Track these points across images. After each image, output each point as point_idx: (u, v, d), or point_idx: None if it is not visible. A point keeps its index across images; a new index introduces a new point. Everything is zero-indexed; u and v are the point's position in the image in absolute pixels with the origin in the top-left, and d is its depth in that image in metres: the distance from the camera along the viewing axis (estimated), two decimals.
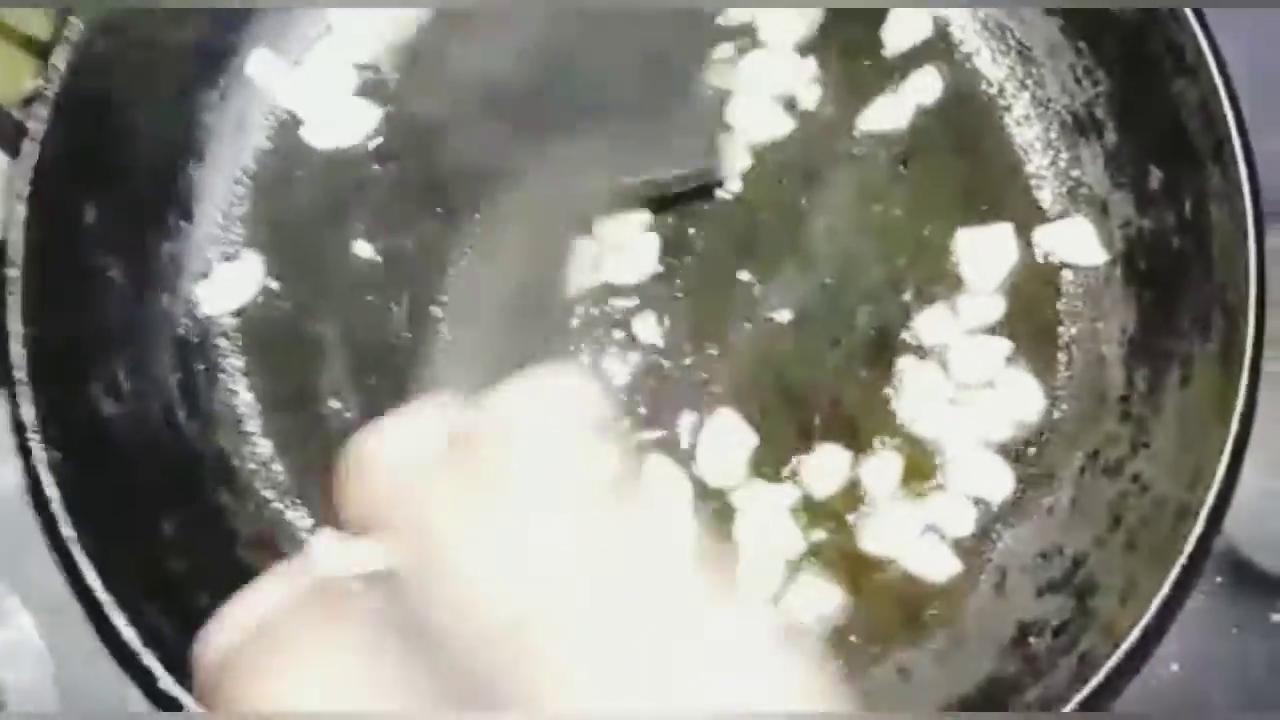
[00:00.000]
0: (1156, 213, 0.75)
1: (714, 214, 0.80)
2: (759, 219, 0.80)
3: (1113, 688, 0.65)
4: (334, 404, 0.78)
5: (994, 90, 0.83)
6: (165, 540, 0.71)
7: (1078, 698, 0.65)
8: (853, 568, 0.75)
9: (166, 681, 0.63)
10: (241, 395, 0.78)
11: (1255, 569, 0.78)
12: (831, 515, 0.76)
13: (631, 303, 0.79)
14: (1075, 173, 0.80)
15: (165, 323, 0.77)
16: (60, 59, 0.69)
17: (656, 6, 0.81)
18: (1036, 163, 0.81)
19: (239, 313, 0.79)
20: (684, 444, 0.77)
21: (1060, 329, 0.79)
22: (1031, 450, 0.77)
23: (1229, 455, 0.66)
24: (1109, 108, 0.78)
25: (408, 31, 0.80)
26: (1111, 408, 0.75)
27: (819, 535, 0.76)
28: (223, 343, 0.79)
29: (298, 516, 0.77)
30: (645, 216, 0.79)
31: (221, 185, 0.80)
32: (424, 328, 0.77)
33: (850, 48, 0.83)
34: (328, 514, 0.57)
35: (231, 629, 0.54)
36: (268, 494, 0.77)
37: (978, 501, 0.76)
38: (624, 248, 0.79)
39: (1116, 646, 0.65)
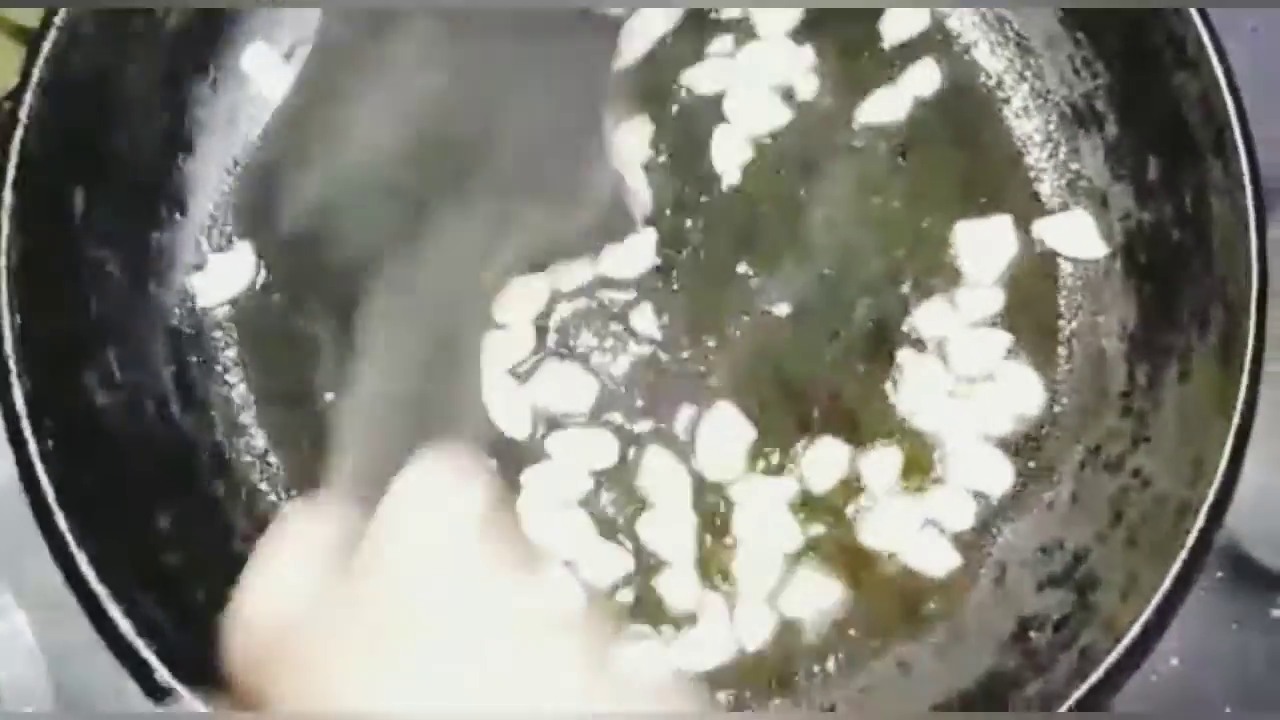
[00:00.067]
0: (1156, 205, 0.75)
1: (712, 206, 0.80)
2: (757, 211, 0.80)
3: (1113, 683, 0.65)
4: (329, 396, 0.77)
5: (993, 82, 0.82)
6: (160, 533, 0.70)
7: (1078, 693, 0.65)
8: (852, 562, 0.75)
9: (163, 674, 0.63)
10: (236, 387, 0.78)
11: (1255, 564, 0.78)
12: (830, 509, 0.76)
13: (629, 295, 0.78)
14: (1075, 165, 0.80)
15: (158, 314, 0.76)
16: (48, 47, 0.69)
17: (656, 7, 0.81)
18: (1036, 155, 0.81)
19: (233, 304, 0.78)
20: (682, 437, 0.77)
21: (1060, 322, 0.78)
22: (1031, 444, 0.77)
23: (1230, 450, 0.66)
24: (1109, 100, 0.78)
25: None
26: (1112, 402, 0.75)
27: (818, 529, 0.75)
28: (217, 334, 0.78)
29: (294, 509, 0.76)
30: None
31: (213, 176, 0.80)
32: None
33: (848, 40, 0.82)
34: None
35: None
36: (263, 486, 0.77)
37: (977, 495, 0.76)
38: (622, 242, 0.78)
39: (1117, 641, 0.65)
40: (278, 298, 0.79)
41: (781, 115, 0.81)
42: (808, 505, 0.76)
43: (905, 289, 0.79)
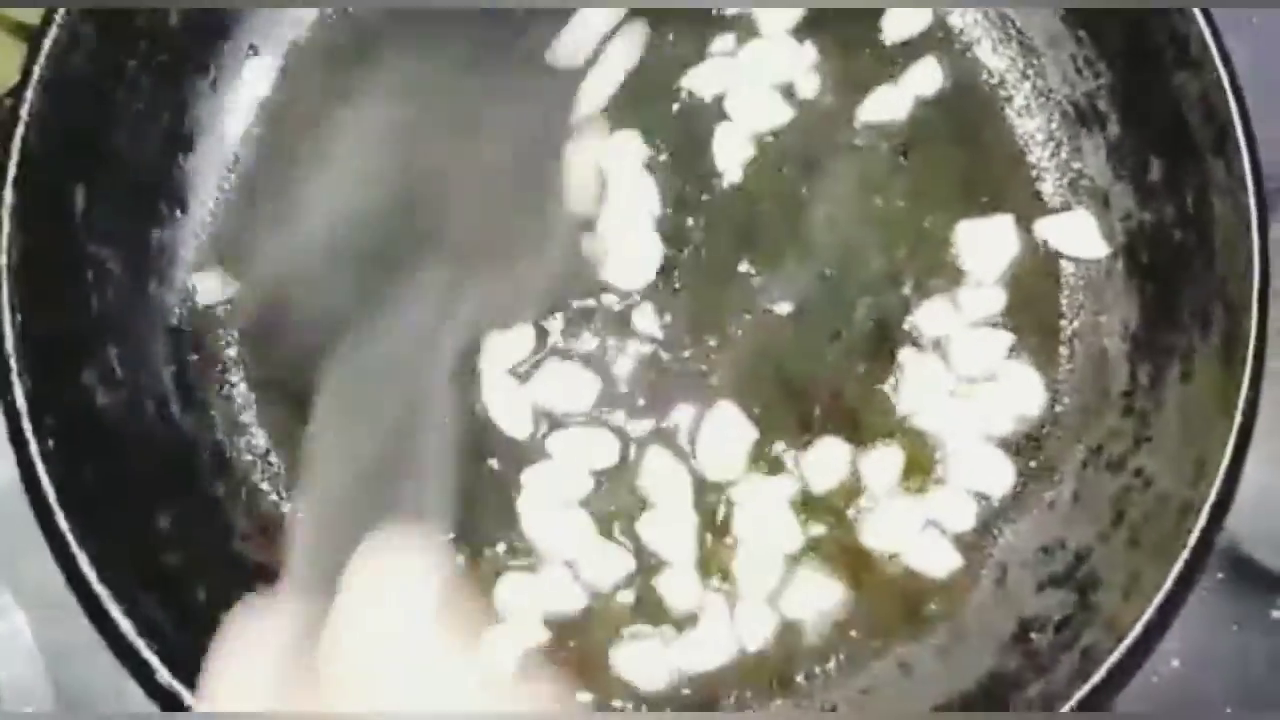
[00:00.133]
0: (1158, 205, 0.75)
1: (713, 205, 0.79)
2: (758, 210, 0.80)
3: (1114, 684, 0.65)
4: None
5: (995, 81, 0.82)
6: (161, 532, 0.70)
7: (1079, 694, 0.65)
8: (853, 562, 0.75)
9: (164, 674, 0.63)
10: (237, 386, 0.78)
11: (1256, 565, 0.78)
12: (831, 509, 0.76)
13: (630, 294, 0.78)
14: (1076, 164, 0.80)
15: (159, 312, 0.76)
16: (50, 45, 0.69)
17: (655, 6, 0.81)
18: (1037, 154, 0.81)
19: (233, 303, 0.78)
20: (683, 437, 0.77)
21: (1062, 322, 0.78)
22: (1033, 444, 0.77)
23: (1231, 450, 0.65)
24: (1111, 99, 0.78)
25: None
26: (1114, 402, 0.75)
27: (818, 530, 0.75)
28: (218, 333, 0.78)
29: (294, 509, 0.76)
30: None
31: (214, 174, 0.80)
32: None
33: (850, 38, 0.82)
34: None
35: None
36: (264, 486, 0.77)
37: (979, 496, 0.76)
38: (625, 249, 0.78)
39: (1118, 642, 0.65)
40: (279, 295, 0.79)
41: (783, 113, 0.81)
42: (809, 505, 0.75)
43: (907, 288, 0.78)
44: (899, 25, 0.82)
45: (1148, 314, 0.75)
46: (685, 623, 0.74)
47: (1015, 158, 0.81)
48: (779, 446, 0.76)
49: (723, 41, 0.82)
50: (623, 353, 0.78)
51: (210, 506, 0.75)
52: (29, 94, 0.68)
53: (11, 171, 0.67)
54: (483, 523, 0.75)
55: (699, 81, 0.81)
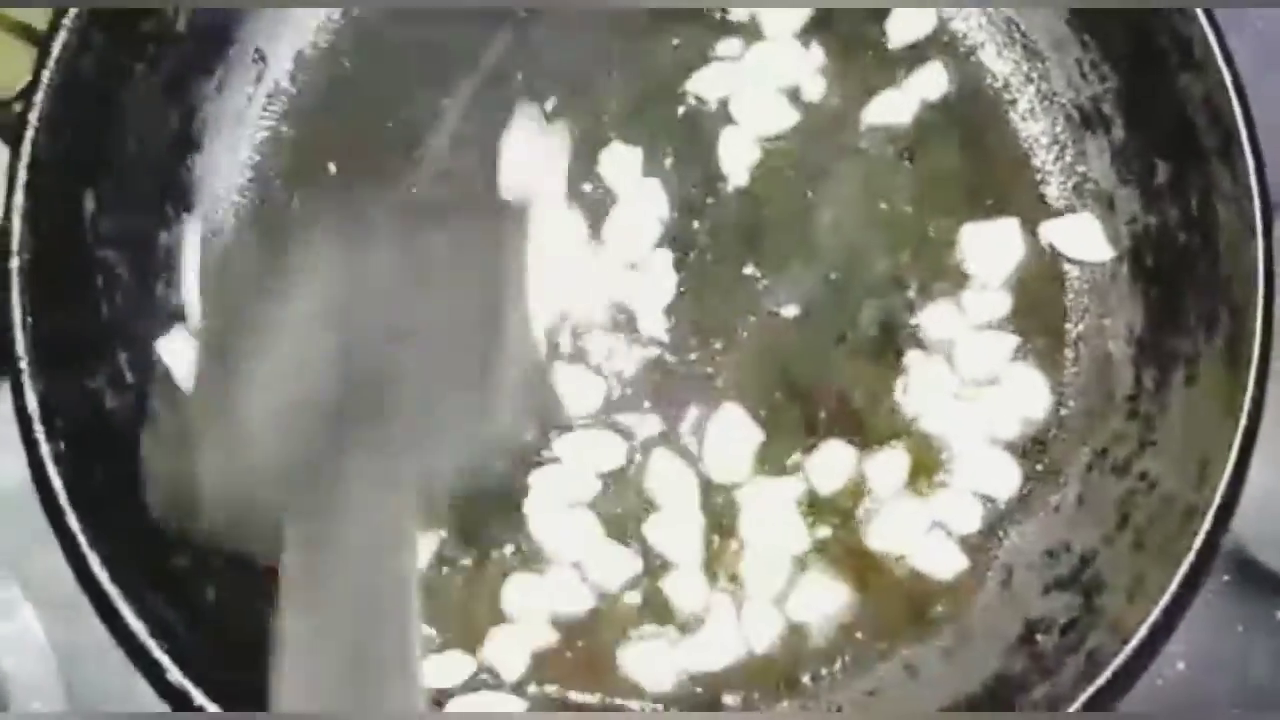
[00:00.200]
0: (1163, 208, 0.75)
1: (719, 208, 0.80)
2: (764, 213, 0.80)
3: (1120, 686, 0.65)
4: None
5: (999, 84, 0.82)
6: (170, 533, 0.70)
7: (1084, 696, 0.65)
8: (859, 564, 0.75)
9: (175, 674, 0.63)
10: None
11: (1261, 568, 0.78)
12: (837, 512, 0.76)
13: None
14: (1081, 168, 0.80)
15: (167, 314, 0.76)
16: (58, 50, 0.69)
17: (656, 7, 0.81)
18: (1042, 157, 0.81)
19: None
20: (689, 439, 0.77)
21: (1067, 325, 0.78)
22: (1038, 447, 0.77)
23: (1236, 453, 0.66)
24: (1115, 102, 0.78)
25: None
26: (1119, 405, 0.75)
27: (824, 532, 0.75)
28: None
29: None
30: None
31: (223, 177, 0.80)
32: None
33: (854, 41, 0.82)
34: None
35: None
36: None
37: (984, 498, 0.76)
38: (640, 272, 0.79)
39: (1124, 644, 0.65)
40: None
41: (788, 117, 0.81)
42: (814, 507, 0.76)
43: (912, 291, 0.79)
44: (904, 29, 0.82)
45: (1153, 317, 0.75)
46: (692, 624, 0.74)
47: (1020, 161, 0.81)
48: (785, 448, 0.76)
49: (728, 45, 0.82)
50: (629, 355, 0.78)
51: None
52: (39, 98, 0.68)
53: (22, 175, 0.67)
54: (490, 525, 0.76)
55: (704, 85, 0.81)
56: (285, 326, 0.64)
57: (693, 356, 0.78)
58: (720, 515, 0.76)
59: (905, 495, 0.76)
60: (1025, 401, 0.77)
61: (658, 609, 0.74)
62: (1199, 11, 0.70)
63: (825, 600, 0.74)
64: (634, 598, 0.75)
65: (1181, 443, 0.71)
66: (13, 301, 0.66)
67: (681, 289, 0.78)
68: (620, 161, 0.80)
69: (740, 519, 0.75)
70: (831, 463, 0.76)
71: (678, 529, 0.75)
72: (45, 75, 0.68)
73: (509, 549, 0.75)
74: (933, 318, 0.78)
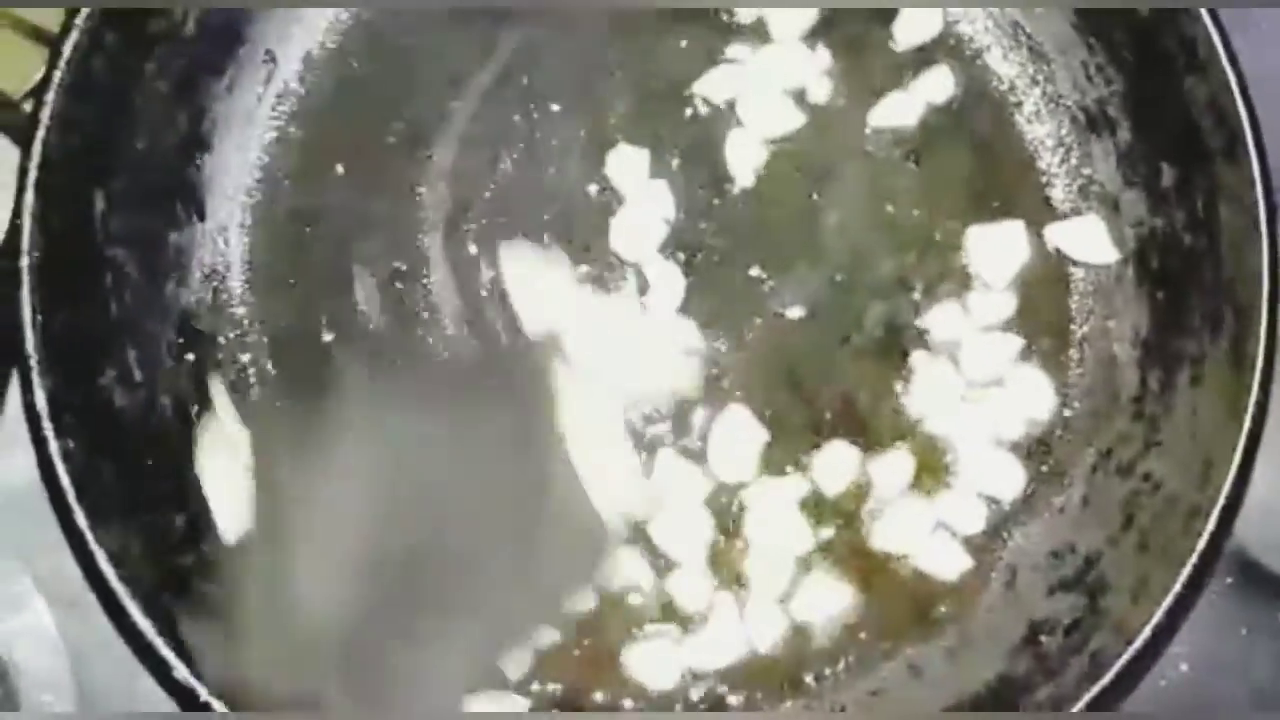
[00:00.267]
0: (1168, 210, 0.75)
1: (726, 210, 0.80)
2: (770, 215, 0.80)
3: (1123, 687, 0.65)
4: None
5: (1005, 87, 0.82)
6: (177, 531, 0.71)
7: (1088, 696, 0.65)
8: (863, 565, 0.75)
9: (182, 671, 0.63)
10: (253, 388, 0.78)
11: (1264, 570, 0.78)
12: (841, 512, 0.76)
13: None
14: (1087, 170, 0.80)
15: (176, 313, 0.77)
16: (69, 50, 0.69)
17: (657, 7, 0.82)
18: (1048, 160, 0.81)
19: (249, 304, 0.79)
20: (695, 440, 0.77)
21: (1072, 327, 0.79)
22: (1043, 448, 0.77)
23: (1241, 454, 0.66)
24: (1121, 105, 0.78)
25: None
26: (1123, 406, 0.75)
27: (829, 532, 0.76)
28: (234, 334, 0.79)
29: None
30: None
31: (232, 176, 0.80)
32: None
33: (861, 43, 0.83)
34: None
35: None
36: None
37: (989, 499, 0.76)
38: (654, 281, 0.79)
39: (1128, 645, 0.65)
40: (295, 298, 0.80)
41: (794, 119, 0.81)
42: (819, 508, 0.76)
43: (917, 293, 0.79)
44: (910, 31, 0.82)
45: (1158, 319, 0.75)
46: (696, 623, 0.74)
47: (1025, 163, 0.81)
48: (790, 449, 0.77)
49: (734, 47, 0.82)
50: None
51: None
52: (50, 98, 0.69)
53: (33, 174, 0.67)
54: None
55: (711, 87, 0.81)
56: (328, 494, 0.65)
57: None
58: (725, 515, 0.76)
59: (910, 496, 0.76)
60: (1030, 403, 0.77)
61: (662, 608, 0.75)
62: (1204, 12, 0.70)
63: (829, 600, 0.75)
64: (638, 597, 0.75)
65: (1186, 444, 0.71)
66: (23, 300, 0.66)
67: (688, 290, 0.79)
68: (627, 163, 0.80)
69: (745, 519, 0.76)
70: (836, 463, 0.76)
71: (683, 529, 0.75)
72: (56, 75, 0.69)
73: None
74: (938, 319, 0.78)
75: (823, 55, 0.82)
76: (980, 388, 0.77)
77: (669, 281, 0.79)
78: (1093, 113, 0.80)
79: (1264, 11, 0.86)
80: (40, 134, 0.68)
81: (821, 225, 0.80)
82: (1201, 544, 0.65)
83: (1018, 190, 0.81)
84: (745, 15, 0.83)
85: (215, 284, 0.79)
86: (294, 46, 0.82)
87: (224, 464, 0.73)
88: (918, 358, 0.78)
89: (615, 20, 0.82)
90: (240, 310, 0.79)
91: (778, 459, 0.77)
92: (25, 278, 0.67)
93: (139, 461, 0.71)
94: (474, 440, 0.67)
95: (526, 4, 0.82)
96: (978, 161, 0.81)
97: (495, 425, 0.67)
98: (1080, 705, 0.65)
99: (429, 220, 0.80)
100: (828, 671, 0.74)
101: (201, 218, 0.79)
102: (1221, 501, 0.65)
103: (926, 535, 0.75)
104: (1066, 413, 0.77)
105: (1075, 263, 0.79)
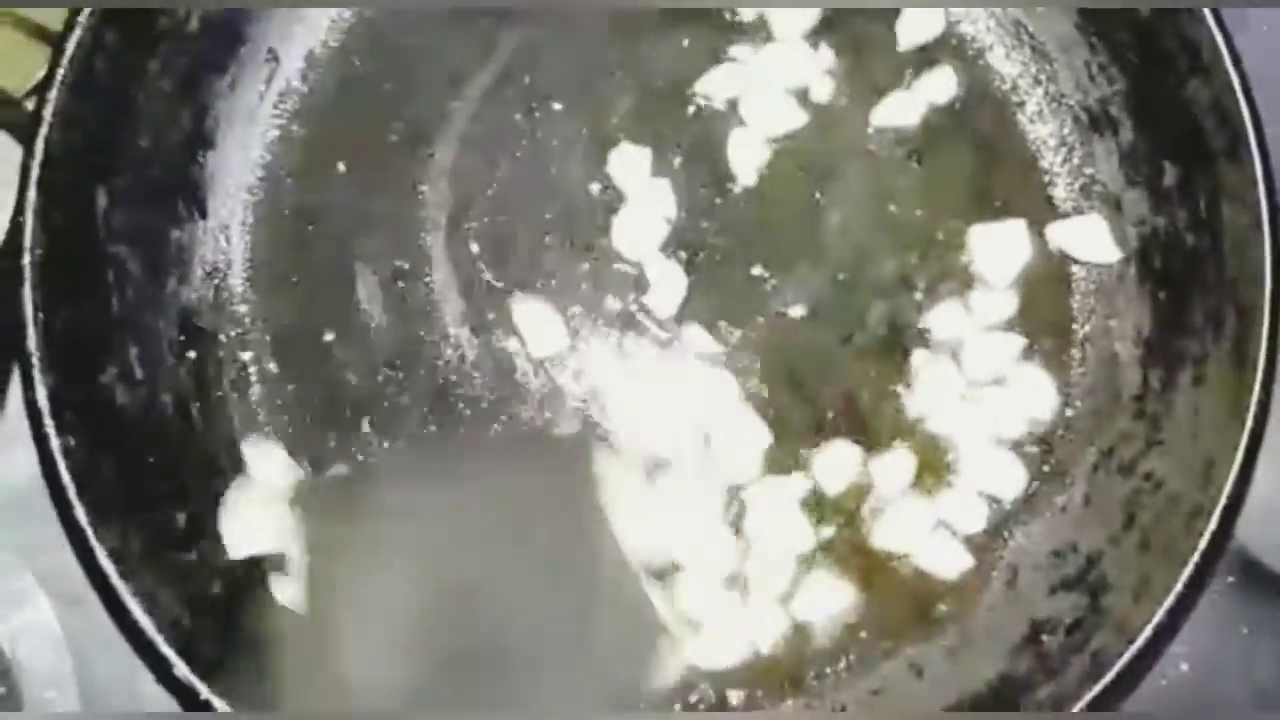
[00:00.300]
0: (1171, 210, 0.75)
1: (728, 209, 0.80)
2: (773, 214, 0.80)
3: (1124, 686, 0.65)
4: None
5: (1007, 86, 0.82)
6: (178, 529, 0.71)
7: (1089, 695, 0.65)
8: (864, 563, 0.75)
9: (182, 669, 0.63)
10: (254, 386, 0.78)
11: (1265, 569, 0.78)
12: (843, 511, 0.76)
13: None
14: (1089, 170, 0.80)
15: (177, 310, 0.77)
16: (72, 47, 0.69)
17: (666, 7, 0.82)
18: (1050, 159, 0.81)
19: (251, 302, 0.79)
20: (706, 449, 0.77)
21: (1074, 326, 0.79)
22: (1044, 447, 0.77)
23: (1242, 454, 0.66)
24: (1123, 104, 0.78)
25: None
26: (1125, 405, 0.75)
27: (830, 531, 0.76)
28: (235, 332, 0.79)
29: None
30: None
31: (234, 174, 0.80)
32: None
33: (863, 43, 0.83)
34: None
35: None
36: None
37: (990, 498, 0.76)
38: (656, 280, 0.79)
39: (1129, 645, 0.65)
40: (296, 296, 0.80)
41: (797, 118, 0.81)
42: (820, 507, 0.76)
43: (919, 292, 0.79)
44: (912, 31, 0.82)
45: (1160, 318, 0.75)
46: (698, 623, 0.74)
47: (1028, 163, 0.81)
48: (792, 449, 0.77)
49: (737, 47, 0.82)
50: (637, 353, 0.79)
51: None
52: (52, 95, 0.69)
53: (35, 171, 0.67)
54: None
55: (713, 86, 0.81)
56: (380, 575, 0.64)
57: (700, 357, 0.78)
58: (727, 514, 0.76)
59: (911, 495, 0.76)
60: (1032, 402, 0.77)
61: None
62: (1207, 13, 0.70)
63: (830, 599, 0.75)
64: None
65: (1188, 444, 0.71)
66: (25, 297, 0.66)
67: (689, 289, 0.79)
68: (629, 161, 0.80)
69: (746, 518, 0.75)
70: (837, 463, 0.76)
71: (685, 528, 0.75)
72: (59, 72, 0.69)
73: None
74: (940, 318, 0.78)
75: (825, 55, 0.82)
76: (982, 387, 0.77)
77: (671, 280, 0.78)
78: (1095, 112, 0.80)
79: (1265, 12, 0.86)
80: (43, 131, 0.68)
81: (824, 224, 0.80)
82: (1203, 543, 0.65)
83: (1020, 189, 0.81)
84: (748, 14, 0.83)
85: (217, 282, 0.79)
86: (296, 45, 0.82)
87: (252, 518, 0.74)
88: (919, 357, 0.78)
89: (617, 19, 0.82)
90: (242, 308, 0.79)
91: (779, 458, 0.77)
92: (27, 275, 0.67)
93: (140, 459, 0.71)
94: (518, 522, 0.67)
95: (528, 4, 0.82)
96: (980, 161, 0.81)
97: (539, 507, 0.67)
98: (1082, 704, 0.65)
99: (431, 219, 0.80)
100: (828, 671, 0.74)
101: (203, 215, 0.79)
102: (1223, 501, 0.66)
103: (927, 534, 0.75)
104: (1068, 412, 0.77)
105: (1077, 262, 0.79)
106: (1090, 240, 0.79)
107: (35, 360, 0.65)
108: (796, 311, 0.78)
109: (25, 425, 0.66)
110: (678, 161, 0.80)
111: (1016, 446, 0.77)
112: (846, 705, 0.74)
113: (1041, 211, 0.80)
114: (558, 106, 0.82)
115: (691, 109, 0.81)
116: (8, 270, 0.67)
